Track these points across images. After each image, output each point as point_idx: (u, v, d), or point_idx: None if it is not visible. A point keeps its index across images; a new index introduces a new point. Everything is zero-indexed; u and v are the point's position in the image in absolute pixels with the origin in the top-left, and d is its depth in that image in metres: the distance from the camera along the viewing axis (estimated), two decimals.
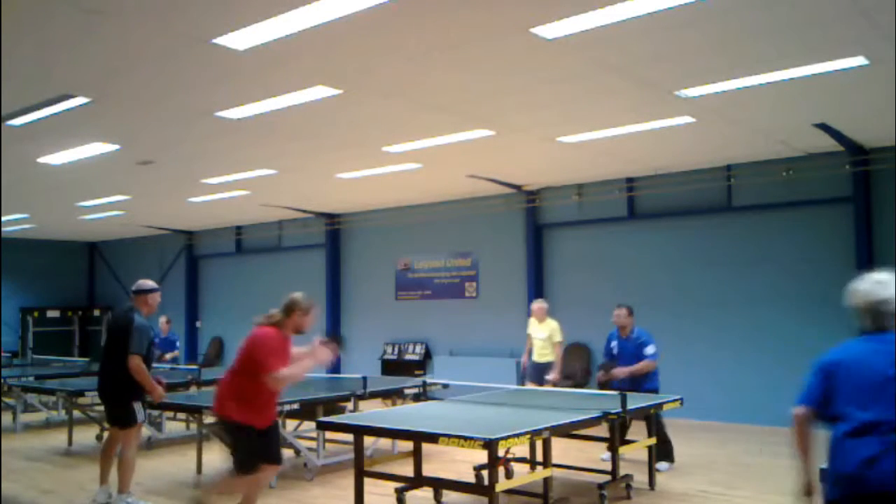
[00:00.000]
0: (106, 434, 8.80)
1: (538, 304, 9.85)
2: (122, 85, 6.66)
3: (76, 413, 9.41)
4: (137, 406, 6.17)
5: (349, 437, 6.20)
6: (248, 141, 8.83)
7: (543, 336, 9.56)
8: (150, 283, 6.48)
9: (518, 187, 12.47)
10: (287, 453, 8.01)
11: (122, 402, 6.16)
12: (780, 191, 10.23)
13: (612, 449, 6.45)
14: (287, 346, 5.09)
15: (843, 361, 3.01)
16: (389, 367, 13.93)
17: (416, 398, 8.32)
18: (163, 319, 12.76)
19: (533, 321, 9.75)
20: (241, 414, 4.89)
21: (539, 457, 6.46)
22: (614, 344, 7.93)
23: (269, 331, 5.01)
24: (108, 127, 8.20)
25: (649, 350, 7.62)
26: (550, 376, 9.28)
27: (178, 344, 13.23)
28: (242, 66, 6.06)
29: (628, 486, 6.51)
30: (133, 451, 6.20)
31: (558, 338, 9.47)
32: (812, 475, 3.08)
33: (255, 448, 4.95)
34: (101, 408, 10.17)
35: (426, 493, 6.37)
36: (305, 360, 5.07)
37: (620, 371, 7.62)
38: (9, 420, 10.68)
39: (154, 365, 6.76)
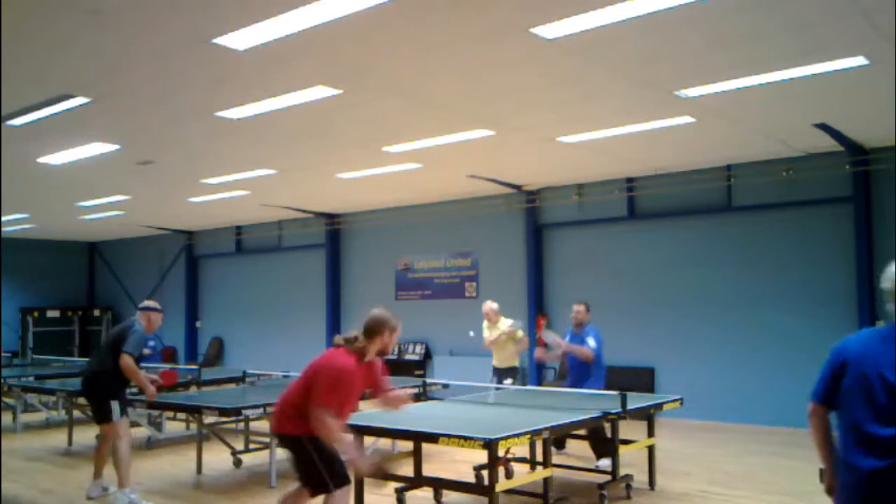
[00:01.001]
0: None
1: (487, 306, 9.12)
2: (122, 85, 6.66)
3: (76, 413, 9.41)
4: (115, 404, 6.40)
5: (348, 436, 6.18)
6: (248, 141, 8.82)
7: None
8: (154, 304, 6.90)
9: (518, 187, 12.47)
10: (286, 453, 8.01)
11: (98, 399, 6.48)
12: (780, 191, 10.23)
13: (613, 450, 6.44)
14: (366, 376, 4.51)
15: (856, 355, 2.74)
16: (389, 368, 13.90)
17: (416, 398, 8.31)
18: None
19: (486, 325, 9.12)
20: (296, 427, 4.42)
21: (539, 457, 6.46)
22: (567, 339, 8.06)
23: (345, 362, 4.33)
24: (108, 127, 8.20)
25: (591, 342, 7.74)
26: (508, 381, 8.85)
27: (151, 343, 13.16)
28: (242, 66, 6.06)
29: (628, 486, 6.51)
30: (122, 446, 6.34)
31: (519, 336, 8.95)
32: (829, 471, 2.92)
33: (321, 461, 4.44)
34: None
35: (426, 493, 6.37)
36: (342, 437, 4.37)
37: (554, 341, 7.87)
38: (9, 420, 10.68)
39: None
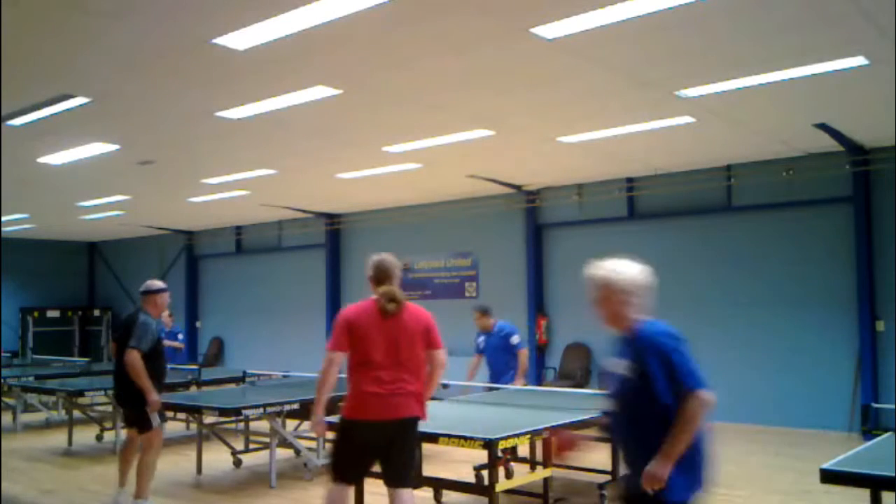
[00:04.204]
0: (113, 434, 8.87)
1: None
2: (122, 85, 6.66)
3: (76, 413, 9.42)
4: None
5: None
6: (248, 141, 8.83)
7: None
8: (157, 284, 6.27)
9: (518, 187, 12.47)
10: (287, 453, 8.03)
11: (135, 406, 5.89)
12: (780, 191, 10.23)
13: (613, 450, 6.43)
14: (402, 328, 4.38)
15: None
16: None
17: None
18: (165, 314, 12.64)
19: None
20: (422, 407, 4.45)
21: (539, 457, 6.46)
22: (481, 339, 8.17)
23: (347, 308, 4.50)
24: (108, 127, 8.20)
25: (515, 339, 7.94)
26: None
27: (181, 336, 13.01)
28: (242, 66, 6.06)
29: None
30: (153, 457, 5.97)
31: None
32: None
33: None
34: (101, 408, 10.28)
35: (426, 493, 6.36)
36: (324, 389, 4.38)
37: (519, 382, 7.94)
38: (9, 420, 10.68)
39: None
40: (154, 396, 5.85)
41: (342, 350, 4.38)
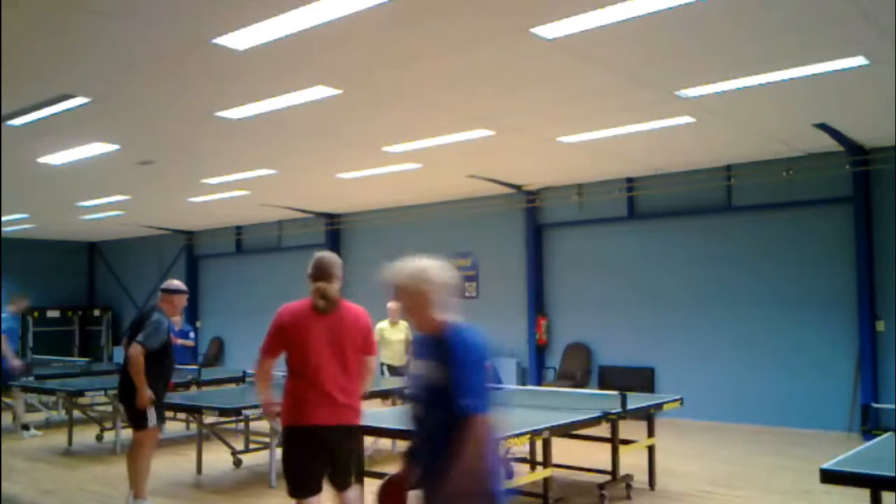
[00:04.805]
0: (113, 434, 8.87)
1: (396, 305, 9.33)
2: (122, 85, 6.66)
3: (76, 413, 9.42)
4: (150, 410, 5.79)
5: None
6: (248, 141, 8.82)
7: (401, 338, 9.44)
8: (176, 284, 6.25)
9: (518, 187, 12.47)
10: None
11: (131, 403, 5.83)
12: (780, 191, 10.23)
13: (613, 449, 6.44)
14: (338, 328, 4.20)
15: None
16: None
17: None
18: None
19: (386, 325, 9.39)
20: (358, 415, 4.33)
21: (539, 457, 6.46)
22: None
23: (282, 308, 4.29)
24: (108, 127, 8.20)
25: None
26: None
27: (192, 335, 12.90)
28: (242, 66, 6.06)
29: (628, 486, 6.51)
30: (145, 456, 5.87)
31: (411, 336, 9.08)
32: None
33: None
34: (101, 408, 10.28)
35: None
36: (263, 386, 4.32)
37: None
38: (9, 420, 10.68)
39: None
40: (145, 393, 5.70)
41: (271, 356, 4.21)
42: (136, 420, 5.84)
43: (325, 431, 4.06)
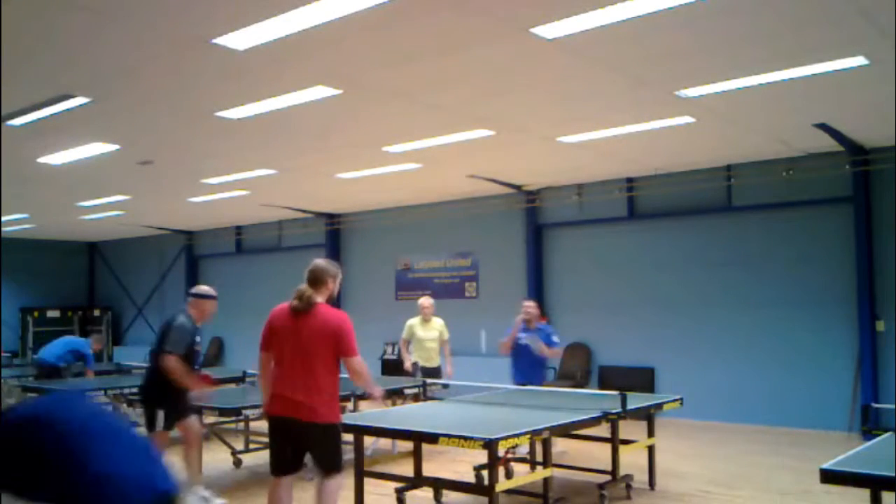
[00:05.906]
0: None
1: (429, 301, 9.21)
2: (123, 85, 6.66)
3: None
4: (160, 413, 5.88)
5: (349, 436, 6.18)
6: (248, 141, 8.82)
7: (433, 336, 9.16)
8: (205, 289, 6.31)
9: (518, 187, 12.47)
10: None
11: (146, 405, 6.06)
12: (780, 191, 10.23)
13: (613, 449, 6.45)
14: (313, 329, 4.56)
15: None
16: (389, 367, 13.92)
17: (415, 398, 8.31)
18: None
19: (417, 321, 9.16)
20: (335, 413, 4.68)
21: (539, 457, 6.46)
22: (523, 334, 8.31)
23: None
24: (108, 127, 8.20)
25: (556, 339, 8.29)
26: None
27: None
28: (242, 66, 6.06)
29: (628, 486, 6.51)
30: None
31: (447, 335, 9.16)
32: None
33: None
34: None
35: (426, 493, 6.37)
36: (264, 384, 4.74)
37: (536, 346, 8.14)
38: None
39: None
40: (195, 384, 6.00)
41: (265, 350, 4.69)
42: (147, 422, 6.00)
43: (285, 423, 4.52)
